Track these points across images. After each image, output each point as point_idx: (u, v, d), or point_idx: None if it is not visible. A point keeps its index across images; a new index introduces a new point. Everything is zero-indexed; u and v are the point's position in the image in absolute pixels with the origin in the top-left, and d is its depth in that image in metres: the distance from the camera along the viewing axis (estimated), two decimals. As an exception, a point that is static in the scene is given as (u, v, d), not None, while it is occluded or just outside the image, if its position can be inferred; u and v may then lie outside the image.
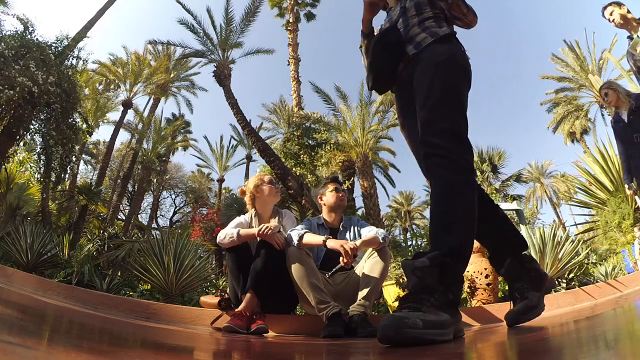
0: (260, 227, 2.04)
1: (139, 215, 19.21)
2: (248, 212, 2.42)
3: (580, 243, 3.40)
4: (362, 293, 1.93)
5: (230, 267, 2.16)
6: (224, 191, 19.79)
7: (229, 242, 2.09)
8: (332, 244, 1.95)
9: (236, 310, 1.96)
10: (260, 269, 1.98)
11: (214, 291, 3.85)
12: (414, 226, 26.50)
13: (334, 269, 1.97)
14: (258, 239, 2.08)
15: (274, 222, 2.27)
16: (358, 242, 1.99)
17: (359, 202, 10.96)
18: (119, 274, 5.82)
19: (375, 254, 2.02)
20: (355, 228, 2.27)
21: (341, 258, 1.90)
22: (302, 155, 10.15)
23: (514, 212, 6.75)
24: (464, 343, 1.07)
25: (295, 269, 1.93)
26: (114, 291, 3.97)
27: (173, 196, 22.92)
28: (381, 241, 2.02)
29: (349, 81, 47.32)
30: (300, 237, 2.00)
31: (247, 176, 20.74)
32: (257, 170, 11.75)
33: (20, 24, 7.39)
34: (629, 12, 2.76)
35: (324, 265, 2.12)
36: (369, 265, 2.01)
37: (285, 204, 8.44)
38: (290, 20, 13.96)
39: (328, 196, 2.32)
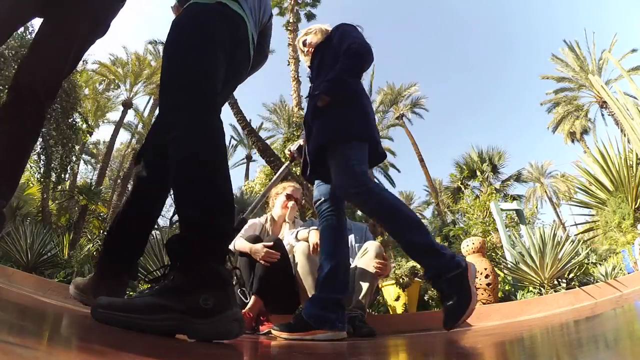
0: (258, 252, 2.04)
1: (139, 215, 19.15)
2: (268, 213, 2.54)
3: (580, 243, 3.39)
4: (358, 295, 1.97)
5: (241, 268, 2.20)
6: (224, 191, 19.68)
7: (234, 250, 2.21)
8: (309, 235, 2.09)
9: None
10: (264, 273, 2.03)
11: (214, 291, 3.86)
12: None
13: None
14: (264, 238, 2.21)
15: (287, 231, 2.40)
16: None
17: (359, 202, 10.92)
18: (119, 274, 5.81)
19: (367, 253, 2.06)
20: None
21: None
22: (302, 155, 10.12)
23: (514, 212, 6.76)
24: (463, 343, 1.07)
25: (302, 264, 2.00)
26: (114, 291, 3.96)
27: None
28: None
29: (349, 81, 47.09)
30: (296, 234, 2.19)
31: (247, 176, 20.75)
32: (257, 170, 11.72)
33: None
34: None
35: None
36: (361, 266, 2.05)
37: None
38: (290, 20, 13.94)
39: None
